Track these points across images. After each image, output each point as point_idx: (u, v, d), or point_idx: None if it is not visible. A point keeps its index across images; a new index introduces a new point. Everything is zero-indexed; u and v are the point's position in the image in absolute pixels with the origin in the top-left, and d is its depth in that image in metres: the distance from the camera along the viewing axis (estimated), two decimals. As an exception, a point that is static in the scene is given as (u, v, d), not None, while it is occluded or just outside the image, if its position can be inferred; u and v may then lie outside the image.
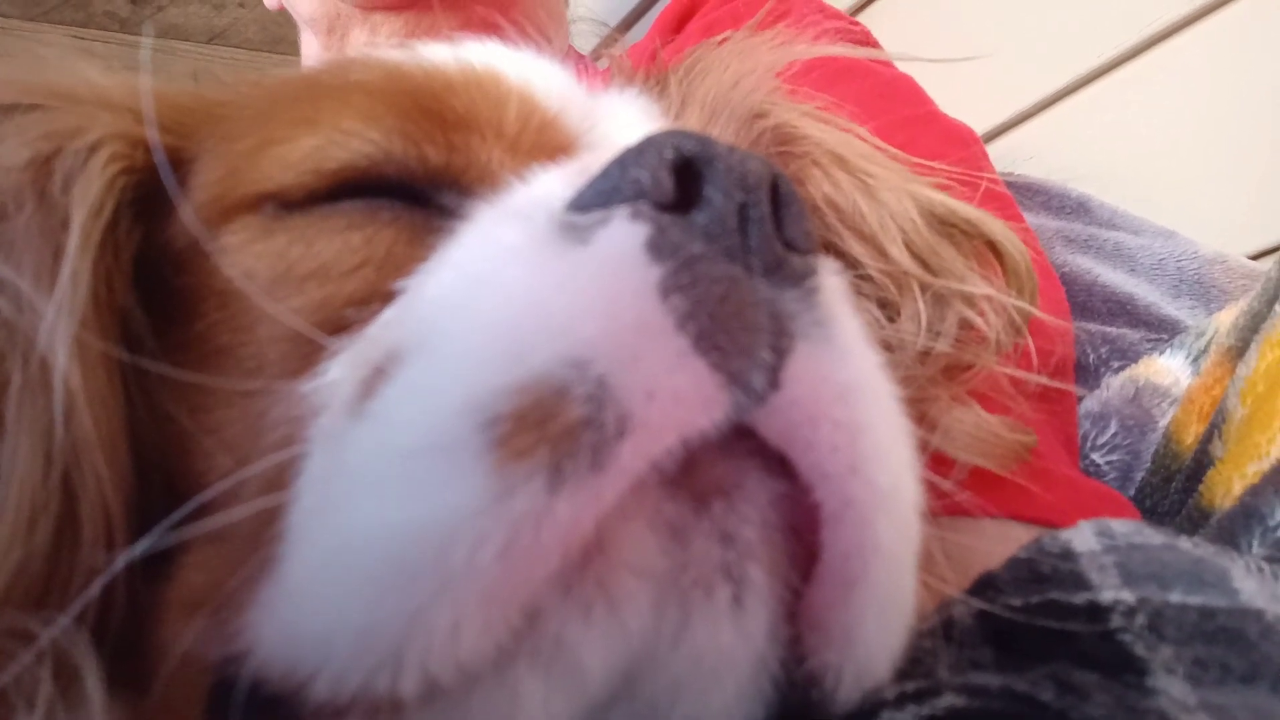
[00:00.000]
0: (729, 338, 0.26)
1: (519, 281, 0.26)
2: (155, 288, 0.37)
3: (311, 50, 1.01)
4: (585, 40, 1.13)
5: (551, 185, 0.31)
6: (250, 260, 0.36)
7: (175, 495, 0.31)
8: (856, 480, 0.27)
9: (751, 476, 0.28)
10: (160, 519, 0.29)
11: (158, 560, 0.32)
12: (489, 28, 0.48)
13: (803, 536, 0.28)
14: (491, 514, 0.23)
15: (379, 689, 0.24)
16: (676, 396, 0.25)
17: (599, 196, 0.28)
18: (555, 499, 0.23)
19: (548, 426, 0.23)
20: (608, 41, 0.86)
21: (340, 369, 0.30)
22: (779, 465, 0.28)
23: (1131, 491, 0.65)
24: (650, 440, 0.24)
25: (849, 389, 0.28)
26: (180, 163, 0.39)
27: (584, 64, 0.92)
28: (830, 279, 0.30)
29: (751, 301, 0.27)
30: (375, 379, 0.27)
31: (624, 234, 0.26)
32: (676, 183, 0.28)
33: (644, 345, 0.25)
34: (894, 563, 0.29)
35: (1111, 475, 0.68)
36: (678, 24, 0.93)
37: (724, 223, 0.27)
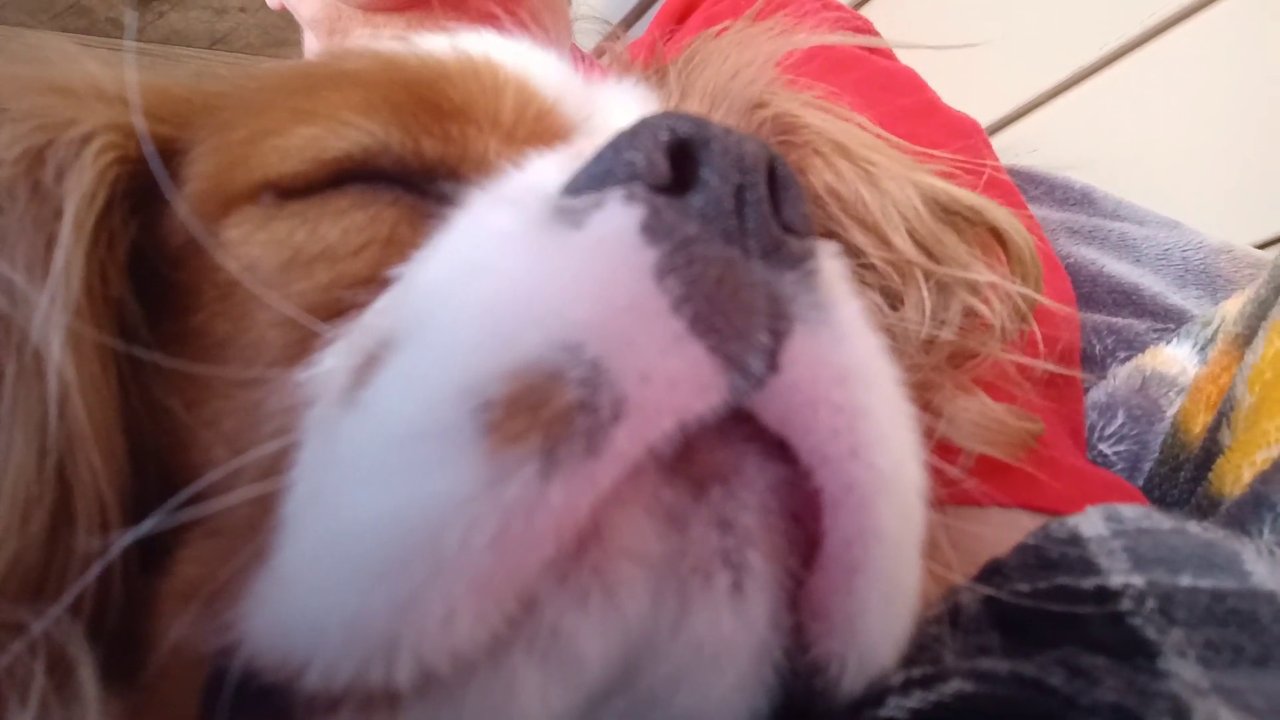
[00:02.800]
0: (726, 320, 0.25)
1: (512, 266, 0.26)
2: (151, 281, 0.37)
3: (314, 52, 1.01)
4: (588, 38, 1.13)
5: (546, 171, 0.30)
6: (255, 250, 0.36)
7: (172, 489, 0.31)
8: (857, 464, 0.27)
9: (751, 461, 0.27)
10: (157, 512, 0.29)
11: (154, 554, 0.32)
12: (491, 23, 0.48)
13: (804, 522, 0.28)
14: (484, 500, 0.23)
15: (373, 679, 0.23)
16: (672, 380, 0.24)
17: (593, 179, 0.28)
18: (549, 484, 0.23)
19: (541, 411, 0.23)
20: (610, 37, 0.86)
21: (335, 357, 0.30)
22: (779, 450, 0.27)
23: (1140, 482, 0.65)
24: (646, 424, 0.24)
25: (848, 372, 0.28)
26: (176, 153, 0.39)
27: (587, 61, 0.92)
28: (829, 262, 0.29)
29: (748, 284, 0.26)
30: (369, 366, 0.27)
31: (618, 216, 0.26)
32: (672, 165, 0.27)
33: (639, 328, 0.24)
34: (897, 548, 0.28)
35: (1120, 466, 0.67)
36: (679, 17, 0.93)
37: (720, 204, 0.27)
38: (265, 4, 1.04)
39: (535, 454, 0.23)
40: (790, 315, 0.27)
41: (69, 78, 0.38)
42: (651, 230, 0.26)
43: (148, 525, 0.28)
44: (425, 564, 0.22)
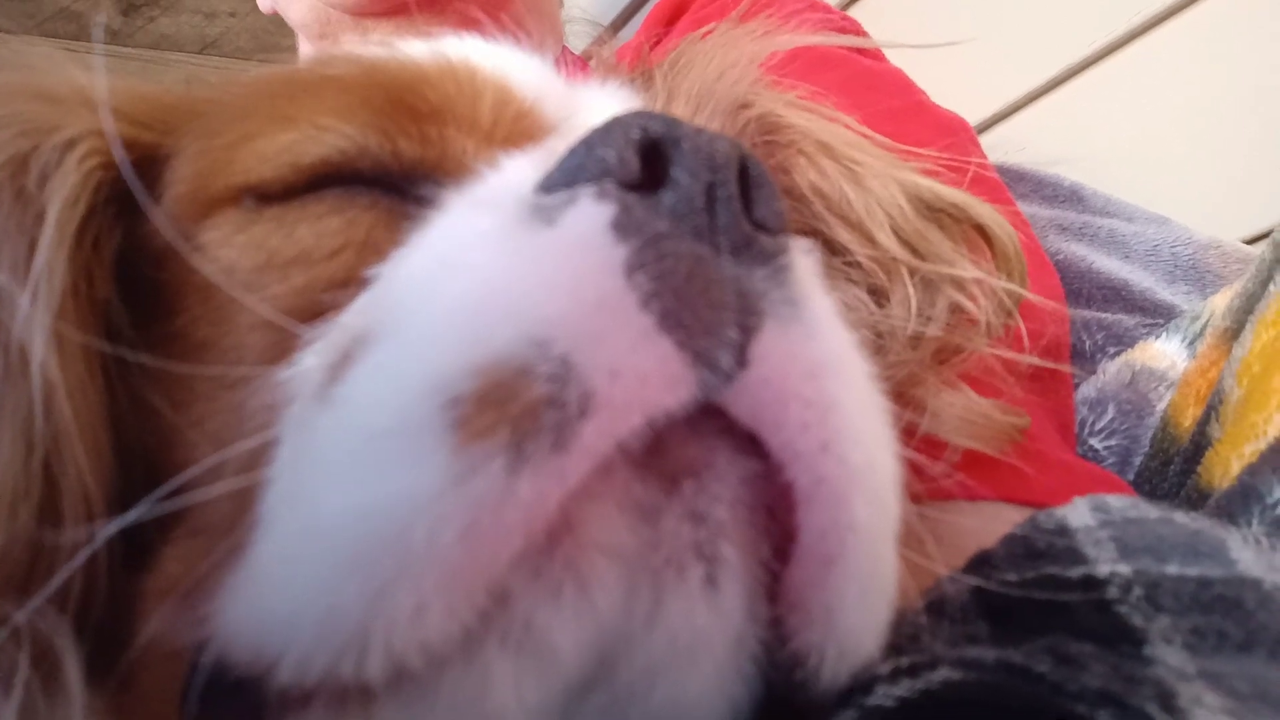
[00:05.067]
0: (695, 316, 0.26)
1: (484, 263, 0.26)
2: (138, 283, 0.38)
3: (307, 56, 1.02)
4: (580, 41, 1.13)
5: (522, 170, 0.31)
6: (233, 252, 0.36)
7: (158, 487, 0.31)
8: (828, 458, 0.27)
9: (722, 456, 0.27)
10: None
11: (139, 553, 0.32)
12: (474, 28, 0.48)
13: (778, 516, 0.28)
14: (452, 495, 0.23)
15: (345, 673, 0.23)
16: (641, 375, 0.25)
17: (565, 176, 0.28)
18: (517, 479, 0.23)
19: (509, 406, 0.23)
20: (598, 41, 0.86)
21: (313, 356, 0.30)
22: (750, 445, 0.27)
23: (1131, 476, 0.65)
24: (615, 419, 0.24)
25: (819, 366, 0.28)
26: (159, 159, 0.40)
27: (579, 65, 0.92)
28: (801, 258, 0.30)
29: (718, 280, 0.27)
30: (342, 364, 0.27)
31: (589, 214, 0.26)
32: (643, 163, 0.28)
33: (607, 324, 0.25)
34: (872, 540, 0.28)
35: (1110, 460, 0.67)
36: (668, 20, 0.93)
37: (691, 202, 0.27)
38: (255, 8, 1.05)
39: (503, 449, 0.23)
40: (760, 311, 0.27)
41: (53, 84, 0.39)
42: (621, 227, 0.26)
43: (134, 514, 0.28)
44: (395, 558, 0.23)
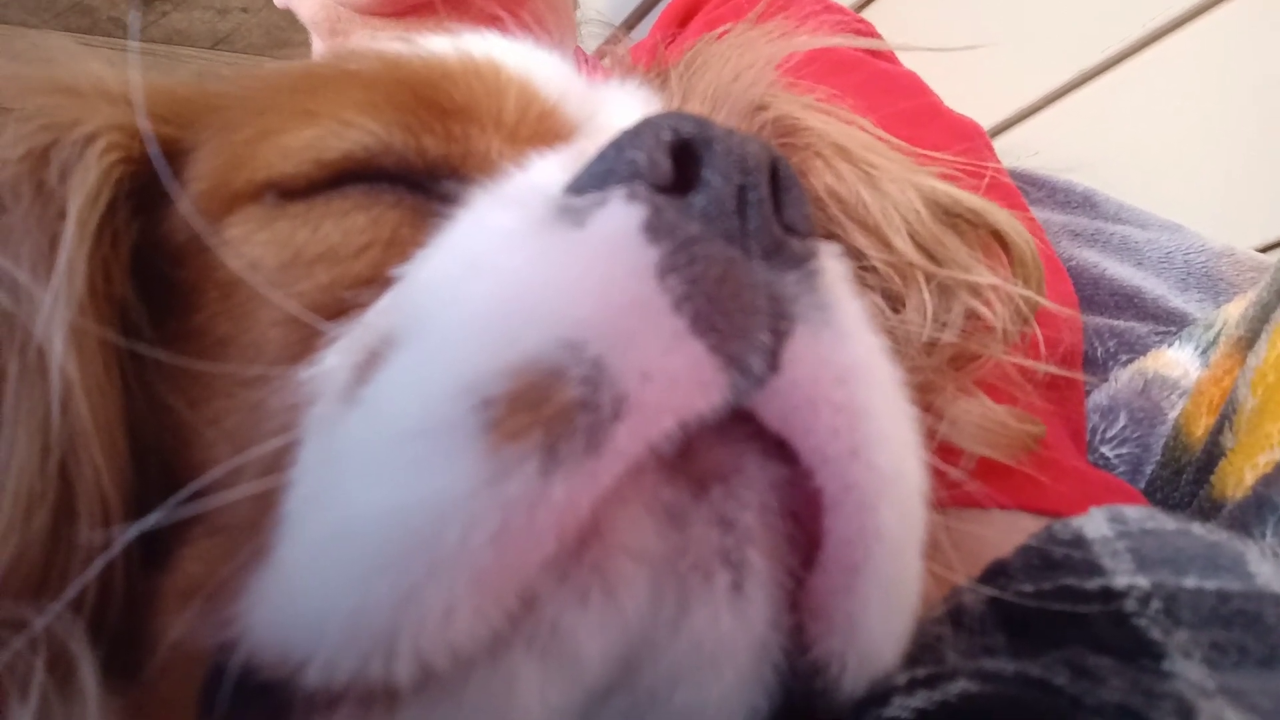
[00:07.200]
0: (727, 320, 0.25)
1: (514, 264, 0.26)
2: (155, 280, 0.37)
3: (320, 54, 1.02)
4: (594, 41, 1.13)
5: (549, 170, 0.30)
6: (256, 249, 0.36)
7: (175, 487, 0.31)
8: (857, 464, 0.27)
9: (751, 461, 0.27)
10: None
11: (156, 553, 0.32)
12: (494, 25, 0.48)
13: (804, 522, 0.28)
14: (484, 497, 0.23)
15: (372, 675, 0.23)
16: (673, 378, 0.24)
17: (595, 179, 0.28)
18: (549, 481, 0.23)
19: (542, 408, 0.23)
20: (611, 40, 0.86)
21: (337, 355, 0.30)
22: (779, 450, 0.27)
23: (1142, 484, 0.65)
24: (647, 422, 0.24)
25: (849, 372, 0.28)
26: (179, 153, 0.39)
27: (591, 63, 0.92)
28: (831, 262, 0.30)
29: (750, 284, 0.26)
30: (370, 364, 0.27)
31: (620, 215, 0.26)
32: (674, 164, 0.27)
33: (640, 326, 0.24)
34: (897, 548, 0.28)
35: (1121, 468, 0.67)
36: (681, 20, 0.93)
37: (722, 205, 0.27)
38: (268, 4, 1.05)
39: (536, 451, 0.23)
40: (791, 315, 0.27)
41: (74, 78, 0.38)
42: (653, 229, 0.26)
43: (152, 519, 0.28)
44: (425, 560, 0.23)
